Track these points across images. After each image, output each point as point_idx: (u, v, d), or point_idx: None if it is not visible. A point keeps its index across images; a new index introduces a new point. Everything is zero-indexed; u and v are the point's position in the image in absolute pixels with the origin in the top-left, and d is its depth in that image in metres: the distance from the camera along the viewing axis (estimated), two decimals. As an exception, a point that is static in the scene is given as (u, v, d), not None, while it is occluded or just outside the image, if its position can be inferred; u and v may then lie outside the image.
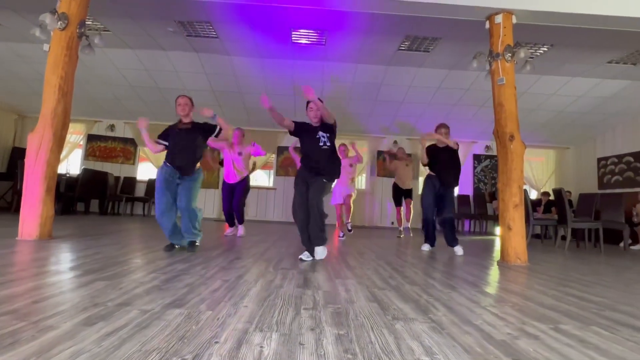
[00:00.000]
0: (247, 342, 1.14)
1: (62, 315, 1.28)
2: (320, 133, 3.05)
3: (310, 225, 2.94)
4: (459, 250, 3.96)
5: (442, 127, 4.15)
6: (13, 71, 6.95)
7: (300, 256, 2.96)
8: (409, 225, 5.98)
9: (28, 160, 3.47)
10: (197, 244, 3.16)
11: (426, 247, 4.21)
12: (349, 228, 5.01)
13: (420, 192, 4.32)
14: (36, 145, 3.46)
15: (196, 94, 5.75)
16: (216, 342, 1.12)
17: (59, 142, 3.56)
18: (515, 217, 3.58)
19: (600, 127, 8.20)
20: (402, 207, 5.92)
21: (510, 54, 3.72)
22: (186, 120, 3.17)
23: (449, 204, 4.10)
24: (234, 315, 1.40)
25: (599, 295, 2.16)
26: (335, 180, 3.22)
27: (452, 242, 4.04)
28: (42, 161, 3.46)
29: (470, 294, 2.02)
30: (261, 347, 1.10)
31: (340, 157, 5.00)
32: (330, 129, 3.09)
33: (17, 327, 1.14)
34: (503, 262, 3.51)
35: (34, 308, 1.34)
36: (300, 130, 3.11)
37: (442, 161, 4.13)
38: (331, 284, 2.09)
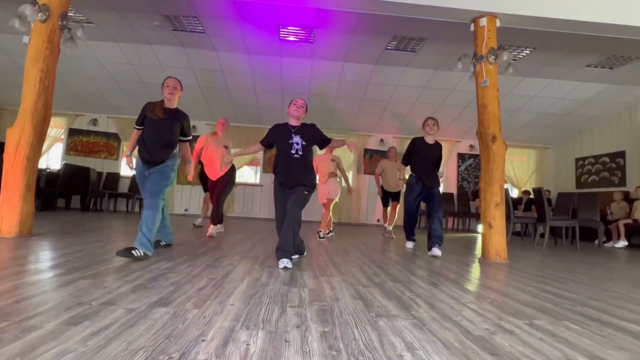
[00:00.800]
0: (233, 339, 1.16)
1: (46, 314, 1.27)
2: (296, 139, 2.67)
3: (283, 231, 2.54)
4: (436, 251, 3.63)
5: (431, 120, 4.05)
6: (-10, 62, 6.72)
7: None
8: (390, 228, 5.87)
9: (7, 155, 3.38)
10: (135, 254, 2.36)
11: (410, 245, 4.28)
12: (321, 236, 4.68)
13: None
14: (15, 140, 3.37)
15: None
16: (203, 340, 1.13)
17: (39, 136, 3.48)
18: (496, 215, 3.68)
19: (578, 129, 8.48)
20: (388, 208, 5.95)
21: (493, 57, 3.81)
22: (170, 105, 2.91)
23: (438, 204, 3.91)
24: (220, 313, 1.42)
25: (572, 291, 2.26)
26: (314, 190, 2.86)
27: (436, 242, 3.71)
28: (21, 156, 3.37)
29: (451, 290, 2.08)
30: (247, 344, 1.13)
31: (325, 150, 4.95)
32: (311, 136, 2.74)
33: (-1, 327, 1.13)
34: (484, 260, 3.61)
35: (16, 308, 1.33)
36: (274, 136, 2.79)
37: (425, 160, 4.02)
38: (317, 281, 2.13)
